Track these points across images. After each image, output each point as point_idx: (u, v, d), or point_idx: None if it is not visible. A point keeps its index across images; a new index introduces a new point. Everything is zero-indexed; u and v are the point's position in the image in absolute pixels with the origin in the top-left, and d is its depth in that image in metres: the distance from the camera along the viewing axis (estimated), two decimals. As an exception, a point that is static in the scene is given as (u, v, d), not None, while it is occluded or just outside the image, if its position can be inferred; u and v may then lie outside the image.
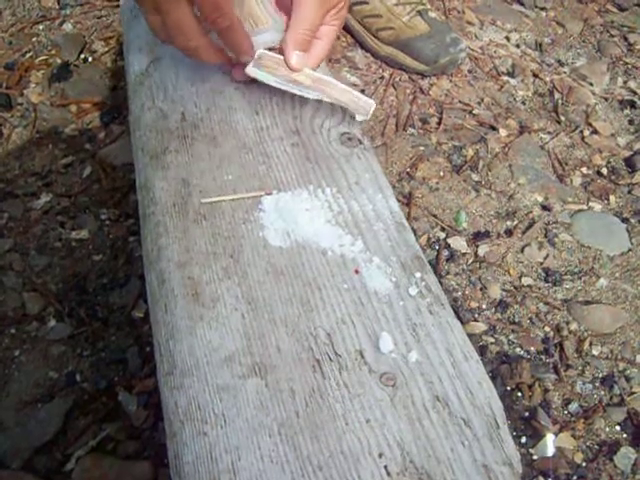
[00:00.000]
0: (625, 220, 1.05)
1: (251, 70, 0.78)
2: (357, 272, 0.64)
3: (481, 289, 0.91)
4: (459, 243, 0.96)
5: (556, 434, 0.73)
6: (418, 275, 0.65)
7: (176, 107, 0.81)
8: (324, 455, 0.50)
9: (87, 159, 0.98)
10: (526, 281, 0.93)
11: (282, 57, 0.75)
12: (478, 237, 0.98)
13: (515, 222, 1.01)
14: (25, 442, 0.68)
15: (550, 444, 0.70)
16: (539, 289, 0.92)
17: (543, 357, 0.83)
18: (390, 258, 0.66)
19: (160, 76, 0.86)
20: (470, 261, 0.94)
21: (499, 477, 0.51)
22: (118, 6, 1.23)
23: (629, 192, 1.09)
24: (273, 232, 0.67)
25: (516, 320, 0.87)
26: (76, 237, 0.90)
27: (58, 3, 1.20)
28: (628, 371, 0.82)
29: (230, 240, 0.65)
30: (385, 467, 0.50)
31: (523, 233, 0.99)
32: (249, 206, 0.69)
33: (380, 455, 0.51)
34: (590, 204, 1.06)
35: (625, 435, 0.74)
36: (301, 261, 0.64)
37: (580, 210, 1.05)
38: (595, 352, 0.84)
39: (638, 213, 1.04)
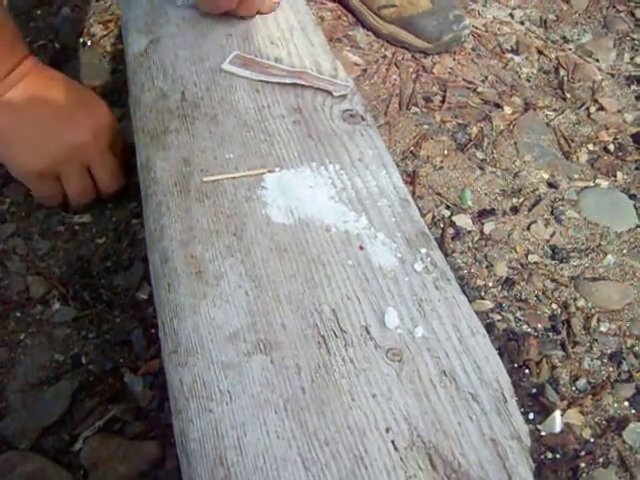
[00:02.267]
0: (632, 196, 1.03)
1: (227, 67, 0.81)
2: (362, 248, 0.63)
3: (487, 267, 0.90)
4: (464, 221, 0.95)
5: (564, 410, 0.72)
6: (423, 251, 0.64)
7: (176, 87, 0.80)
8: (330, 430, 0.50)
9: (88, 143, 0.98)
10: (532, 258, 0.92)
11: (255, 57, 0.83)
12: (483, 215, 0.97)
13: (521, 199, 1.00)
14: (32, 423, 0.68)
15: (558, 420, 0.70)
16: (546, 266, 0.91)
17: (550, 334, 0.82)
18: (395, 234, 0.65)
19: (159, 56, 0.85)
20: (476, 239, 0.93)
21: (507, 451, 0.51)
22: (116, -11, 1.21)
23: (636, 168, 1.08)
24: (276, 209, 0.66)
25: (523, 297, 0.87)
26: (79, 221, 0.89)
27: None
28: (637, 347, 0.82)
29: (233, 218, 0.65)
30: (392, 442, 0.50)
31: (529, 210, 0.98)
32: (251, 184, 0.68)
33: (387, 430, 0.51)
34: (597, 181, 1.05)
35: (634, 411, 0.74)
36: (305, 238, 0.64)
37: (587, 187, 1.04)
38: (603, 329, 0.83)
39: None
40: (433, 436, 0.51)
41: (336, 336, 0.56)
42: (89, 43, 1.12)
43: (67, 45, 1.11)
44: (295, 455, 0.48)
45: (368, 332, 0.57)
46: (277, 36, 0.89)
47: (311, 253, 0.63)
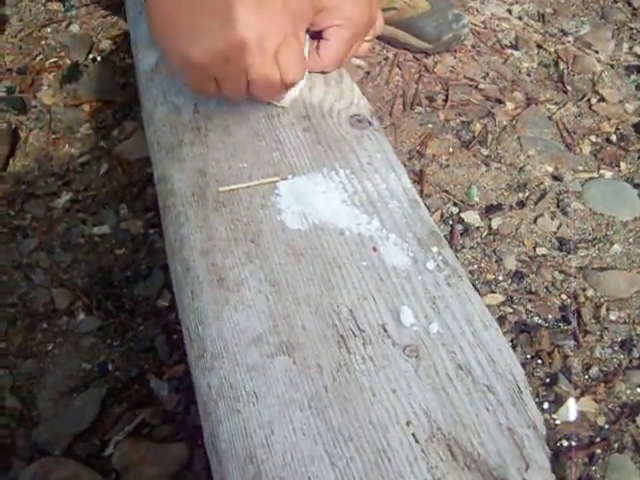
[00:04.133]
0: (636, 186, 1.05)
1: None
2: (375, 250, 0.66)
3: (496, 261, 0.92)
4: (472, 217, 0.97)
5: (577, 399, 0.74)
6: (435, 249, 0.66)
7: (188, 100, 0.82)
8: (354, 426, 0.52)
9: (103, 156, 1.00)
10: (540, 251, 0.94)
11: None
12: (491, 210, 0.99)
13: (527, 193, 1.02)
14: (64, 430, 0.71)
15: (572, 408, 0.72)
16: (554, 258, 0.93)
17: (561, 324, 0.84)
18: (406, 234, 0.67)
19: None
20: (484, 234, 0.95)
21: (524, 439, 0.53)
22: (122, 4, 1.24)
23: (639, 158, 1.09)
24: (290, 215, 0.68)
25: (533, 290, 0.89)
26: (98, 233, 0.92)
27: (63, 5, 1.22)
28: (646, 334, 0.84)
29: (250, 225, 0.67)
30: (413, 434, 0.52)
31: (535, 204, 1.00)
32: (265, 192, 0.71)
33: (408, 423, 0.53)
34: (601, 172, 1.06)
35: (646, 397, 0.76)
36: (320, 242, 0.66)
37: (591, 178, 1.06)
38: (613, 317, 0.85)
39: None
40: (452, 428, 0.53)
41: (355, 335, 0.58)
42: (99, 58, 1.15)
43: (78, 61, 1.14)
44: (321, 451, 0.51)
45: (385, 330, 0.59)
46: (282, 45, 0.91)
47: (326, 256, 0.65)
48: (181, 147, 0.76)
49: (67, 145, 1.02)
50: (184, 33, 0.64)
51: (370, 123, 0.79)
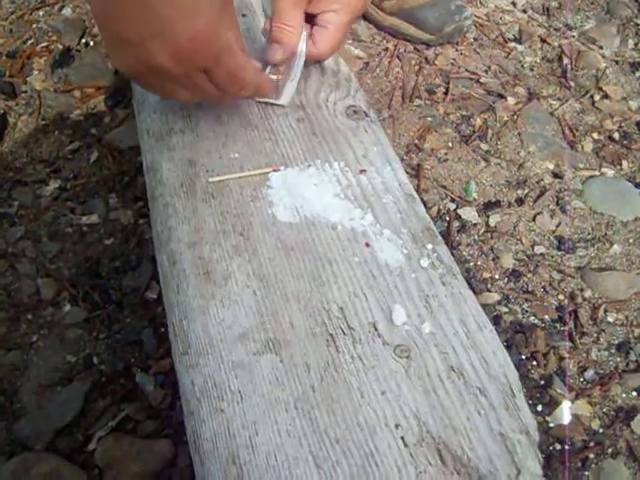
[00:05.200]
0: (638, 185, 1.03)
1: None
2: (368, 245, 0.64)
3: (493, 259, 0.90)
4: (470, 214, 0.95)
5: (572, 401, 0.73)
6: (429, 246, 0.64)
7: (179, 87, 0.80)
8: (341, 428, 0.51)
9: (94, 144, 0.98)
10: (539, 250, 0.92)
11: None
12: (489, 207, 0.97)
13: (526, 191, 1.00)
14: (47, 424, 0.69)
15: (566, 411, 0.70)
16: (552, 257, 0.91)
17: (558, 325, 0.83)
18: (401, 230, 0.65)
19: (162, 56, 0.85)
20: (481, 231, 0.94)
21: (516, 445, 0.51)
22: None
23: (642, 156, 1.07)
24: (282, 208, 0.66)
25: (529, 289, 0.87)
26: (87, 222, 0.90)
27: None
28: (644, 336, 0.82)
29: (239, 218, 0.65)
30: (402, 438, 0.51)
31: (534, 201, 0.98)
32: (257, 183, 0.68)
33: (397, 426, 0.51)
34: (602, 170, 1.04)
35: (642, 400, 0.74)
36: (311, 236, 0.64)
37: (592, 176, 1.04)
38: (610, 319, 0.84)
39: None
40: (442, 431, 0.52)
41: (344, 334, 0.57)
42: (92, 44, 1.12)
43: (70, 46, 1.11)
44: (306, 453, 0.49)
45: (376, 329, 0.57)
46: (279, 33, 0.89)
47: (317, 251, 0.63)
48: (171, 135, 0.74)
49: (57, 131, 1.00)
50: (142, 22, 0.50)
51: (367, 114, 0.77)
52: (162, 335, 0.77)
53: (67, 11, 1.18)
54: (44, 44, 1.12)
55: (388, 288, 0.61)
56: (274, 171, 0.69)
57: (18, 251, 0.85)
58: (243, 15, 0.90)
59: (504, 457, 0.51)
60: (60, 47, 1.12)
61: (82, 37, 1.14)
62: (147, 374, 0.73)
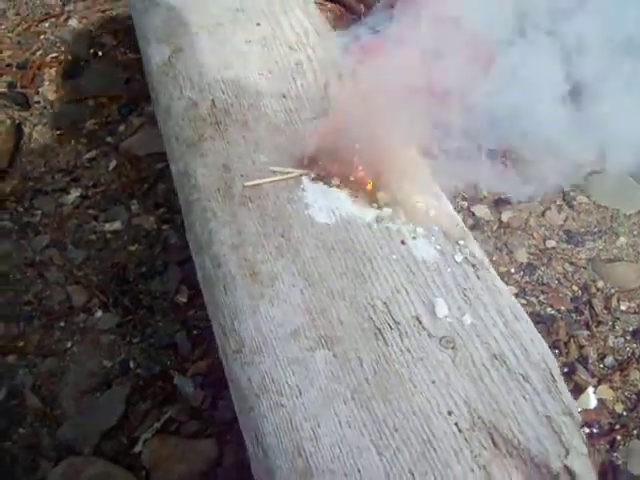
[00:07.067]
0: (638, 180, 1.07)
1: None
2: (403, 243, 0.66)
3: (508, 254, 0.93)
4: (483, 211, 0.99)
5: (595, 387, 0.76)
6: (462, 242, 0.67)
7: (205, 95, 0.82)
8: (398, 417, 0.53)
9: (110, 152, 0.99)
10: (550, 243, 0.95)
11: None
12: (500, 204, 1.00)
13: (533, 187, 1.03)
14: (91, 429, 0.70)
15: (592, 396, 0.73)
16: (563, 250, 0.95)
17: (574, 315, 0.86)
18: (432, 228, 0.68)
19: (184, 66, 0.87)
20: (495, 227, 0.97)
21: (562, 427, 0.54)
22: (123, -2, 1.22)
23: (640, 151, 1.12)
24: (318, 210, 0.68)
25: (545, 281, 0.90)
26: (110, 229, 0.91)
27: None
28: (656, 323, 0.86)
29: (278, 220, 0.67)
30: (456, 424, 0.53)
31: (542, 197, 1.02)
32: (291, 186, 0.71)
33: (449, 413, 0.54)
34: (604, 165, 1.08)
35: (660, 383, 0.78)
36: (349, 236, 0.66)
37: (594, 172, 1.08)
38: (623, 307, 0.87)
39: (652, 172, 1.07)
40: (492, 416, 0.54)
41: (391, 328, 0.59)
42: (100, 53, 1.13)
43: (79, 56, 1.12)
44: (368, 442, 0.51)
45: (420, 322, 0.60)
46: (294, 40, 0.91)
47: (356, 250, 0.65)
48: (201, 142, 0.76)
49: (73, 141, 1.00)
50: None
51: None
52: (196, 337, 0.78)
53: (73, 22, 1.18)
54: (53, 55, 1.12)
55: (426, 283, 0.63)
56: (306, 174, 0.71)
57: (45, 259, 0.86)
58: None
59: (552, 438, 0.53)
60: (69, 57, 1.13)
61: (90, 47, 1.15)
62: (185, 376, 0.75)
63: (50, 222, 0.91)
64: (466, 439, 0.52)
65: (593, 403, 0.73)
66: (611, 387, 0.77)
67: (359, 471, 0.50)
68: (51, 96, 1.06)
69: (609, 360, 0.80)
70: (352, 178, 0.71)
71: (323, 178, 0.71)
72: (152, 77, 0.90)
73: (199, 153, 0.75)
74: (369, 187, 0.70)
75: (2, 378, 0.74)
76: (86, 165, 0.97)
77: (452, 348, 0.58)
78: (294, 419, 0.52)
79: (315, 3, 1.30)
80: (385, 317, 0.60)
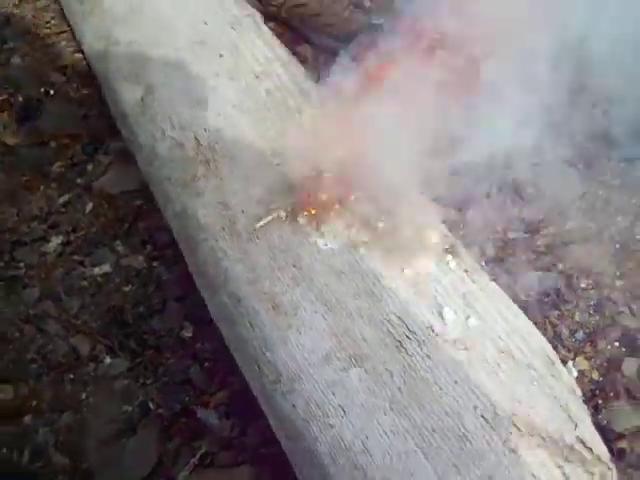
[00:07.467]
0: (574, 166, 1.19)
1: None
2: (400, 257, 0.72)
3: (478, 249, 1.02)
4: (448, 212, 1.06)
5: (573, 360, 0.86)
6: (451, 250, 0.74)
7: (187, 134, 0.84)
8: (433, 419, 0.59)
9: (84, 194, 0.98)
10: (512, 235, 1.05)
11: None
12: (462, 202, 1.08)
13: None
14: (125, 477, 0.71)
15: (573, 369, 0.83)
16: (524, 240, 1.04)
17: (542, 297, 0.96)
18: (425, 240, 0.75)
19: (160, 105, 0.88)
20: (461, 225, 1.05)
21: (569, 404, 0.62)
22: (63, 32, 1.20)
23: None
24: (320, 236, 0.73)
25: (512, 270, 0.99)
26: (100, 272, 0.91)
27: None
28: (611, 294, 0.97)
29: (287, 252, 0.71)
30: (482, 416, 0.60)
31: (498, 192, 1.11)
32: (291, 218, 0.75)
33: (475, 407, 0.60)
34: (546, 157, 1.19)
35: (624, 349, 0.89)
36: (354, 258, 0.71)
37: (538, 163, 1.18)
38: (583, 285, 0.98)
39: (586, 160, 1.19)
40: (510, 404, 0.61)
41: (409, 339, 0.65)
42: (52, 92, 1.11)
43: (31, 96, 1.09)
44: (413, 446, 0.57)
45: (433, 330, 0.66)
46: (259, 70, 0.94)
47: (363, 270, 0.70)
48: (195, 181, 0.78)
49: (42, 186, 0.99)
50: None
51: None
52: (209, 370, 0.81)
53: (16, 60, 1.15)
54: (3, 97, 1.09)
55: (430, 292, 0.70)
56: (303, 206, 0.75)
57: (40, 312, 0.86)
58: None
59: (561, 415, 0.61)
60: (20, 99, 1.10)
61: (40, 86, 1.12)
62: (207, 409, 0.77)
63: (36, 273, 0.90)
64: (493, 428, 0.59)
65: (574, 375, 0.83)
66: (585, 358, 0.87)
67: (412, 475, 0.55)
68: (10, 141, 1.03)
69: (580, 334, 0.90)
70: (345, 203, 0.76)
71: (317, 207, 0.76)
72: (127, 118, 0.91)
73: (195, 193, 0.77)
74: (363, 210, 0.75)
75: (22, 441, 0.74)
76: (61, 210, 0.96)
77: (465, 349, 0.65)
78: (345, 436, 0.57)
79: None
80: (402, 330, 0.66)
